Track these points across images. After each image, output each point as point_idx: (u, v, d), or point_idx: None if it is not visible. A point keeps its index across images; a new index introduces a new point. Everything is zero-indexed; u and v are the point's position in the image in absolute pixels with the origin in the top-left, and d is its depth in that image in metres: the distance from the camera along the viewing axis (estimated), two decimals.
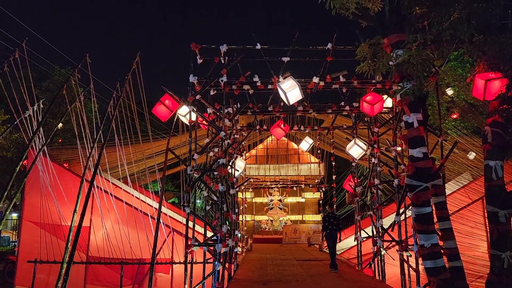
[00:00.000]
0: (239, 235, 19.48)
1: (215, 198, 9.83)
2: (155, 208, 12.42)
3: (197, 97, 7.96)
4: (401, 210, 8.08)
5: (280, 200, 23.19)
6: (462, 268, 6.02)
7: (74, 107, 9.99)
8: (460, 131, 16.48)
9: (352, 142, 9.28)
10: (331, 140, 15.20)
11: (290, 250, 16.25)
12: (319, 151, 18.99)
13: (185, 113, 8.40)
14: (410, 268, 7.74)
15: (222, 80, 7.46)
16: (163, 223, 10.76)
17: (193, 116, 7.89)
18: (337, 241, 11.21)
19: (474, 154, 16.36)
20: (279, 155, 23.14)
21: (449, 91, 15.84)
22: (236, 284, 8.41)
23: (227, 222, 8.68)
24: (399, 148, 8.38)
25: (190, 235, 7.67)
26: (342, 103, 9.80)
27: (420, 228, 5.51)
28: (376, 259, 9.56)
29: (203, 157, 9.86)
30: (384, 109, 9.86)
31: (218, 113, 8.02)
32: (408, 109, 5.56)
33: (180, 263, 11.16)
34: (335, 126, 11.59)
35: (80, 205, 11.54)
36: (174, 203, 27.11)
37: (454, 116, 17.62)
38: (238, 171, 9.70)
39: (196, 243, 7.44)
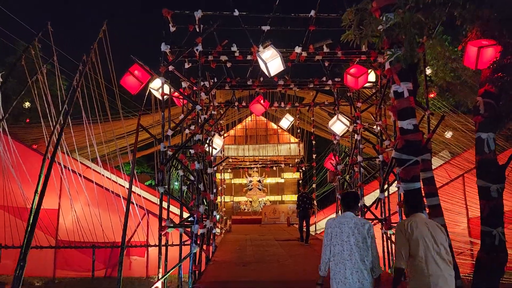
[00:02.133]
0: (218, 216, 19.17)
1: (192, 178, 9.35)
2: (137, 194, 11.85)
3: (170, 68, 7.36)
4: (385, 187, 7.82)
5: (259, 181, 22.93)
6: (450, 246, 5.77)
7: (36, 82, 9.21)
8: (439, 109, 16.44)
9: (335, 117, 8.90)
10: (312, 119, 14.84)
11: (270, 231, 16.03)
12: (299, 131, 18.64)
13: (158, 87, 7.81)
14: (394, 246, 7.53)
15: (197, 50, 6.88)
16: (137, 204, 10.24)
17: (166, 89, 7.31)
18: (310, 218, 11.79)
19: (451, 133, 16.42)
20: (258, 135, 22.74)
21: (428, 70, 15.71)
22: (214, 266, 8.04)
23: (204, 202, 8.23)
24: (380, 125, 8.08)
25: (165, 216, 7.21)
26: (324, 78, 9.39)
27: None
28: None
29: (179, 137, 9.30)
30: (367, 84, 9.55)
31: (193, 87, 7.44)
32: (398, 78, 5.17)
33: (155, 245, 10.69)
34: (316, 103, 11.17)
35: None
36: (151, 185, 26.52)
37: (432, 95, 17.57)
38: (215, 149, 9.20)
39: (171, 225, 6.97)
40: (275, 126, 23.28)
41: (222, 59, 7.55)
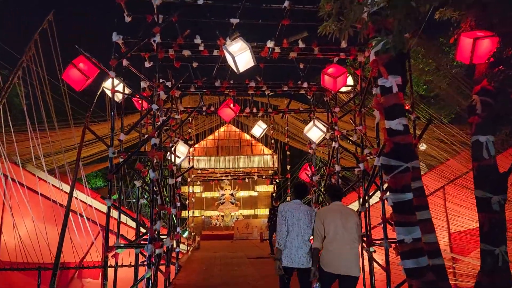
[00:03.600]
0: (186, 232, 18.00)
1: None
2: (89, 205, 10.65)
3: (125, 63, 6.41)
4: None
5: (231, 195, 21.94)
6: (443, 267, 5.02)
7: None
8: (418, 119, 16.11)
9: (311, 123, 8.13)
10: (286, 128, 14.10)
11: (241, 247, 15.03)
12: (272, 141, 17.88)
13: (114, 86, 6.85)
14: (377, 266, 6.74)
15: (154, 41, 5.97)
16: (89, 219, 9.08)
17: (118, 87, 6.35)
18: None
19: (425, 145, 16.04)
20: (230, 147, 21.84)
21: None
22: None
23: (162, 218, 7.25)
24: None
25: (127, 232, 6.18)
26: (300, 82, 8.65)
27: (399, 219, 4.40)
28: None
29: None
30: (345, 88, 8.86)
31: (150, 84, 6.50)
32: (386, 70, 4.42)
33: (110, 266, 9.52)
34: (291, 109, 10.40)
35: None
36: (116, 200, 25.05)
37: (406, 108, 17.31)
38: (179, 157, 8.23)
39: (122, 245, 5.94)
40: (248, 137, 22.47)
41: (185, 54, 6.63)
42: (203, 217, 21.69)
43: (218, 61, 7.01)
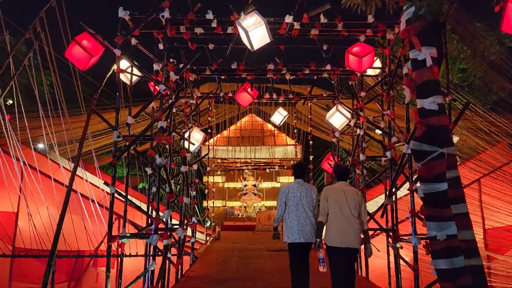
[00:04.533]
0: (208, 223, 17.78)
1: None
2: (107, 192, 10.46)
3: (133, 42, 6.00)
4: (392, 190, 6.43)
5: (254, 185, 21.54)
6: (482, 269, 4.39)
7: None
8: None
9: (334, 108, 7.53)
10: (309, 117, 13.49)
11: (262, 239, 14.60)
12: (295, 131, 17.28)
13: (125, 68, 6.48)
14: (404, 264, 6.16)
15: (163, 17, 5.52)
16: (102, 206, 8.83)
17: (124, 64, 5.97)
18: None
19: (457, 137, 15.09)
20: (253, 137, 21.38)
21: None
22: (183, 285, 6.64)
23: (175, 206, 6.88)
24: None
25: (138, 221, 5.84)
26: (322, 66, 8.06)
27: (432, 213, 3.83)
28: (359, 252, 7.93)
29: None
30: (371, 71, 8.20)
31: (160, 64, 6.08)
32: (419, 41, 3.81)
33: (125, 255, 9.28)
34: (313, 95, 9.80)
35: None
36: (143, 189, 25.13)
37: None
38: (193, 144, 7.82)
39: (128, 234, 5.59)
40: (271, 127, 21.94)
41: (197, 32, 6.16)
42: (225, 207, 21.43)
43: (233, 39, 6.48)
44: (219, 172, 19.45)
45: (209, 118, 12.98)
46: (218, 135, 21.04)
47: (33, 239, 8.86)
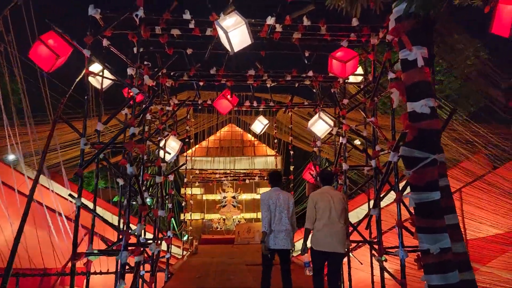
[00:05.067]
0: (186, 236, 17.20)
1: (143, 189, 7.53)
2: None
3: (105, 43, 5.62)
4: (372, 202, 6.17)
5: (233, 197, 21.10)
6: (474, 283, 4.15)
7: None
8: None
9: (316, 116, 7.29)
10: (289, 126, 13.27)
11: (241, 252, 14.16)
12: (275, 141, 17.04)
13: (97, 72, 6.06)
14: (388, 277, 5.89)
15: (136, 16, 5.18)
16: (72, 221, 8.25)
17: (97, 68, 5.57)
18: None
19: None
20: (232, 147, 21.01)
21: None
22: None
23: (150, 220, 6.44)
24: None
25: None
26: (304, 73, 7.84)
27: (424, 224, 3.56)
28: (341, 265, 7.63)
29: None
30: (353, 79, 8.02)
31: (134, 67, 5.69)
32: (409, 39, 3.59)
33: (99, 273, 8.71)
34: (295, 103, 9.57)
35: None
36: (118, 202, 24.31)
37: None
38: (169, 153, 7.42)
39: (95, 251, 5.13)
40: (251, 138, 21.66)
41: (174, 34, 5.83)
42: (203, 220, 20.87)
43: (212, 42, 6.18)
44: (197, 184, 18.95)
45: (187, 128, 12.54)
46: (197, 146, 20.59)
47: None
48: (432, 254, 3.45)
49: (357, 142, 12.70)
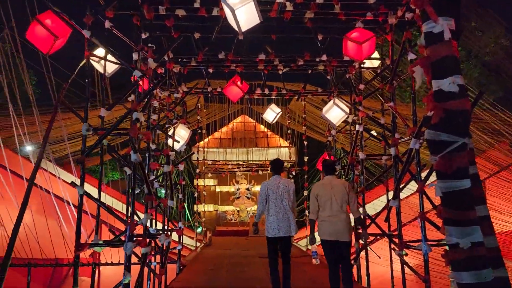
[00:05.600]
0: (199, 228, 17.07)
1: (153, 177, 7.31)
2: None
3: (107, 25, 5.35)
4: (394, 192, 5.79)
5: (247, 189, 20.89)
6: (508, 281, 3.77)
7: None
8: None
9: (331, 102, 6.91)
10: (303, 116, 12.90)
11: (255, 244, 13.92)
12: (289, 131, 16.67)
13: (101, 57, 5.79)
14: (410, 272, 5.54)
15: None
16: (87, 213, 8.10)
17: (101, 52, 5.31)
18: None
19: None
20: (245, 138, 20.74)
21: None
22: None
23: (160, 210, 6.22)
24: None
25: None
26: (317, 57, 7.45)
27: (452, 216, 3.20)
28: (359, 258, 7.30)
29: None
30: (369, 63, 7.60)
31: (135, 48, 5.40)
32: (434, 10, 3.20)
33: (114, 264, 8.58)
34: (308, 91, 9.18)
35: None
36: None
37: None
38: (178, 142, 7.16)
39: (101, 242, 4.92)
40: (264, 129, 21.35)
41: (179, 14, 5.52)
42: (217, 211, 20.75)
43: (220, 22, 5.85)
44: (210, 175, 18.76)
45: (199, 118, 12.29)
46: (210, 137, 20.40)
47: (3, 247, 8.11)
48: (462, 249, 3.09)
49: (373, 133, 12.29)
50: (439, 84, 3.21)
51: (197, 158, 14.91)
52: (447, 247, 3.40)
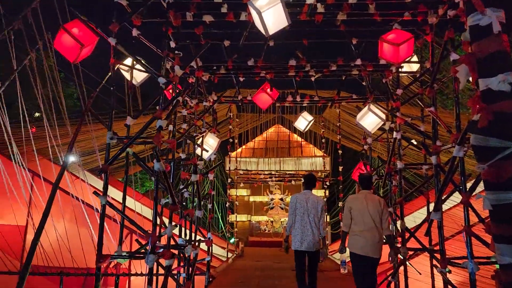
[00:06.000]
0: (233, 239, 16.89)
1: (185, 190, 7.21)
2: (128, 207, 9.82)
3: (135, 33, 5.30)
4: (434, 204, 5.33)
5: (281, 199, 20.57)
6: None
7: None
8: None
9: (366, 108, 6.55)
10: (337, 124, 12.51)
11: (289, 256, 13.52)
12: (323, 140, 16.26)
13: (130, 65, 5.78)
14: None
15: (164, 0, 4.80)
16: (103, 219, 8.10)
17: (130, 62, 5.26)
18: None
19: None
20: (279, 148, 20.48)
21: None
22: None
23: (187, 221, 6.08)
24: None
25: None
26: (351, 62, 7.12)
27: (504, 232, 2.80)
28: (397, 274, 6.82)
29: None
30: (407, 67, 7.18)
31: (161, 55, 5.32)
32: (481, 0, 2.86)
33: (137, 274, 8.51)
34: (342, 97, 8.84)
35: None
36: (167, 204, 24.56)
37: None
38: (207, 151, 7.03)
39: (124, 253, 4.80)
40: (298, 138, 21.03)
41: (206, 20, 5.40)
42: (250, 222, 20.53)
43: (248, 27, 5.69)
44: (242, 185, 18.60)
45: (231, 127, 12.18)
46: (243, 146, 20.30)
47: (38, 254, 8.24)
48: None
49: (413, 141, 11.70)
50: (487, 83, 2.84)
51: (229, 167, 14.79)
52: (497, 266, 3.00)
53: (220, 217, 23.57)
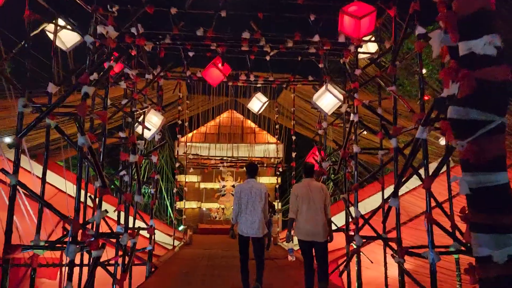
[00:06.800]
0: (181, 227, 16.19)
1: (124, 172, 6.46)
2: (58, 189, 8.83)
3: None
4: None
5: (233, 186, 20.06)
6: None
7: None
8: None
9: (323, 88, 6.12)
10: (292, 109, 12.13)
11: (237, 243, 13.13)
12: (277, 127, 15.89)
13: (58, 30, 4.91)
14: (410, 281, 4.80)
15: None
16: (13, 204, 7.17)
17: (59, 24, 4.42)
18: (273, 226, 12.32)
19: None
20: (232, 134, 19.90)
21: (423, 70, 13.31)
22: None
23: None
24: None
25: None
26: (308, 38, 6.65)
27: (483, 220, 2.42)
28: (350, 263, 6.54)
29: None
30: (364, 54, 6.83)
31: (90, 11, 4.52)
32: None
33: (55, 265, 7.62)
34: (298, 79, 8.38)
35: None
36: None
37: (426, 98, 15.16)
38: (149, 129, 6.31)
39: (42, 243, 4.04)
40: (251, 124, 20.56)
41: None
42: (201, 208, 19.89)
43: None
44: (192, 170, 17.87)
45: (180, 108, 11.42)
46: (194, 131, 19.53)
47: None
48: (496, 264, 2.32)
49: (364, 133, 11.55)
50: (470, 46, 2.42)
51: (177, 151, 14.03)
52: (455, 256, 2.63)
53: (169, 204, 22.73)
